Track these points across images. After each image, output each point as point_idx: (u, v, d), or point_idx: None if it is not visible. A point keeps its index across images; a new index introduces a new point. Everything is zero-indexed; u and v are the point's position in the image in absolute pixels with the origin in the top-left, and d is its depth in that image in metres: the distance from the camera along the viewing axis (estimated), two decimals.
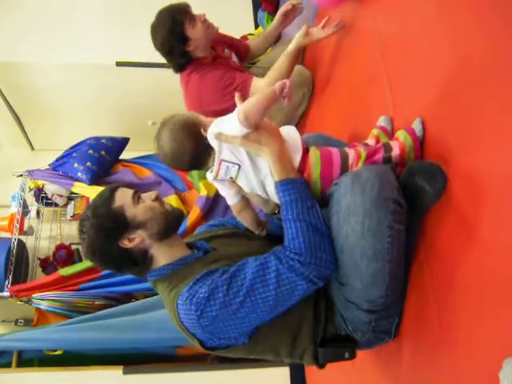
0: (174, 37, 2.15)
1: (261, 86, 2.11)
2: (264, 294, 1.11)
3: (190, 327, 1.14)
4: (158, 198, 1.26)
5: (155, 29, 2.17)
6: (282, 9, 2.42)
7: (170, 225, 1.24)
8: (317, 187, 1.23)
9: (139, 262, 1.24)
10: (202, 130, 1.22)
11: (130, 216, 1.20)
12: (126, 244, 1.20)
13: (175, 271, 1.23)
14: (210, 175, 1.27)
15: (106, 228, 1.19)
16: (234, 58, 2.49)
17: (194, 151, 1.22)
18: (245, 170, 1.23)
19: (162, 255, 1.24)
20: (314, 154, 1.24)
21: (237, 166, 1.22)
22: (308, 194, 1.18)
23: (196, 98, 2.27)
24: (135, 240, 1.21)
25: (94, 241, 1.20)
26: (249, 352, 1.25)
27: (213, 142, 1.21)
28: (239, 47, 2.54)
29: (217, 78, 2.20)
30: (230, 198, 1.31)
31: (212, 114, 2.19)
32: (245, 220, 1.36)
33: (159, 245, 1.23)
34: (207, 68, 2.25)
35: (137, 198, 1.23)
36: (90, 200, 3.18)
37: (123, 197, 1.22)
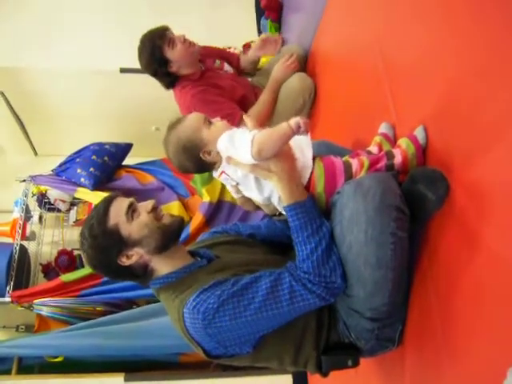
0: (156, 61, 2.27)
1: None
2: (276, 309, 1.11)
3: (195, 336, 1.13)
4: (154, 209, 1.22)
5: (139, 53, 2.29)
6: (262, 36, 2.50)
7: (167, 239, 1.21)
8: (321, 200, 1.23)
9: (140, 275, 1.23)
10: (201, 154, 1.24)
11: (125, 234, 1.18)
12: (123, 261, 1.19)
13: (179, 279, 1.22)
14: (215, 172, 1.31)
15: (102, 248, 1.18)
16: (227, 67, 2.53)
17: (196, 168, 1.30)
18: (248, 186, 1.27)
19: (164, 266, 1.23)
20: (318, 166, 1.23)
21: (235, 182, 1.28)
22: (316, 214, 1.17)
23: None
24: (133, 257, 1.19)
25: (93, 259, 1.21)
26: (253, 360, 1.24)
27: (220, 150, 1.23)
28: (229, 59, 2.59)
29: (205, 103, 2.28)
30: (233, 193, 1.39)
31: None
32: (250, 209, 1.44)
33: (159, 257, 1.21)
34: (197, 87, 2.32)
35: (131, 214, 1.19)
36: (93, 206, 3.18)
37: (117, 214, 1.19)
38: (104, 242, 1.17)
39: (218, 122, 1.27)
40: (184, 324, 1.13)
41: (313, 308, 1.17)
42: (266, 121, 2.36)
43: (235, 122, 2.26)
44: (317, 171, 1.23)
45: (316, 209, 1.19)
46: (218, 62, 2.50)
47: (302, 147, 1.24)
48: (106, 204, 1.20)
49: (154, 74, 2.34)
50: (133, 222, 1.19)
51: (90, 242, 1.18)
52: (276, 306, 1.11)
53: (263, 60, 2.72)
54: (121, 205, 1.20)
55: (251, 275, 1.15)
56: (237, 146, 1.19)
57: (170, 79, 2.35)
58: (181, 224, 1.25)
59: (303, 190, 1.21)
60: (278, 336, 1.19)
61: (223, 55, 2.58)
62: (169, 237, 1.21)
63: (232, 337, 1.13)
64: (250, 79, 2.67)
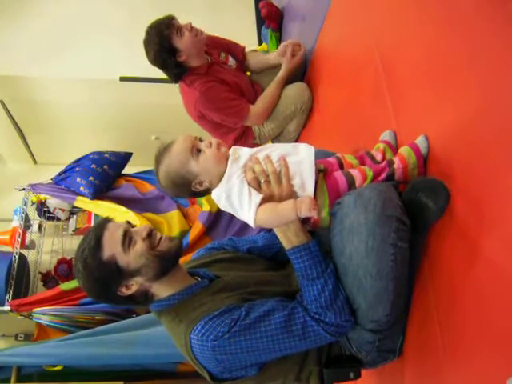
0: (164, 51, 2.25)
1: (254, 114, 2.37)
2: (288, 343, 1.13)
3: (203, 361, 1.14)
4: (149, 235, 1.18)
5: (146, 45, 2.28)
6: (285, 42, 2.47)
7: (165, 265, 1.18)
8: (325, 223, 1.22)
9: (140, 302, 1.22)
10: (192, 186, 1.21)
11: (123, 265, 1.14)
12: (124, 292, 1.17)
13: (181, 301, 1.20)
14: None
15: (100, 281, 1.15)
16: (231, 62, 2.53)
17: (190, 196, 1.34)
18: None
19: (164, 290, 1.21)
20: (322, 191, 1.20)
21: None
22: (320, 258, 1.16)
23: (196, 110, 2.38)
24: (133, 287, 1.17)
25: (91, 291, 1.19)
26: (257, 382, 1.23)
27: (219, 203, 1.20)
28: (235, 52, 2.59)
29: (213, 101, 2.33)
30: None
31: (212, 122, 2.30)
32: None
33: (159, 282, 1.19)
34: (205, 83, 2.32)
35: (127, 244, 1.15)
36: (93, 215, 3.19)
37: (112, 244, 1.14)
38: (101, 275, 1.14)
39: (206, 151, 1.19)
40: (191, 349, 1.12)
41: (324, 343, 1.17)
42: (269, 114, 2.41)
43: (243, 117, 2.37)
44: (321, 198, 1.19)
45: (320, 252, 1.18)
46: (223, 55, 2.50)
47: (304, 180, 1.17)
48: (98, 234, 1.15)
49: (163, 66, 2.31)
50: (130, 251, 1.15)
51: (86, 275, 1.15)
52: (288, 340, 1.12)
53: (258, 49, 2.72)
54: (114, 234, 1.15)
55: (263, 306, 1.15)
56: (236, 206, 1.16)
57: (178, 71, 2.33)
58: (178, 249, 1.21)
59: (304, 231, 1.18)
60: (283, 357, 1.19)
61: (229, 47, 2.57)
62: (167, 263, 1.18)
63: (240, 364, 1.14)
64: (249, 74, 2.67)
